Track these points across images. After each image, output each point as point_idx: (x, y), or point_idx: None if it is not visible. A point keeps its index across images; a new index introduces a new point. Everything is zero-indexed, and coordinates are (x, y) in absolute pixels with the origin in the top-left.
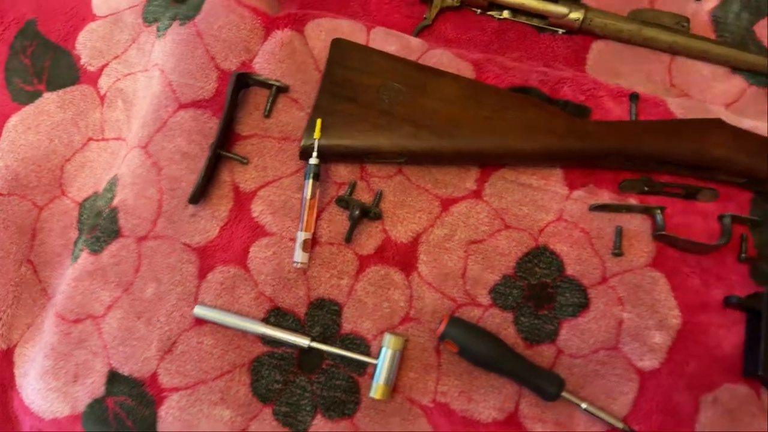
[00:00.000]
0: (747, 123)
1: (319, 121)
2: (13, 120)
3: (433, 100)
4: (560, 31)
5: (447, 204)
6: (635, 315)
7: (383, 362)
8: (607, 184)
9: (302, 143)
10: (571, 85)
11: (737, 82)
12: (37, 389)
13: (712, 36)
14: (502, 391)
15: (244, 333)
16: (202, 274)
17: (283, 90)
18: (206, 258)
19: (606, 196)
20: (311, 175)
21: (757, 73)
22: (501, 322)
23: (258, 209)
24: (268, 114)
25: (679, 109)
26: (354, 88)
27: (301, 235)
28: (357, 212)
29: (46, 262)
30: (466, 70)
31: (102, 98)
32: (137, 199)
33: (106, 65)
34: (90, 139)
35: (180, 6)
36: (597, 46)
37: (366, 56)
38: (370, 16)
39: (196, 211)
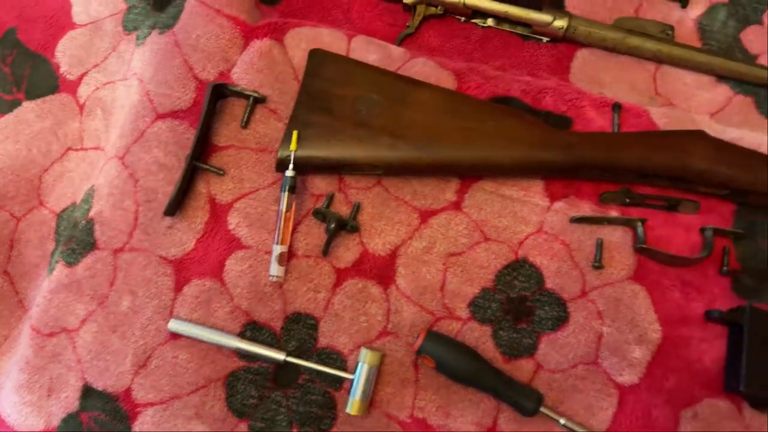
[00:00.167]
0: (732, 132)
1: (295, 133)
2: None
3: (411, 111)
4: (544, 39)
5: (426, 216)
6: (615, 329)
7: (359, 377)
8: (588, 196)
9: (278, 155)
10: (553, 94)
11: (723, 91)
12: (12, 402)
13: (698, 44)
14: (481, 406)
15: (220, 347)
16: (178, 287)
17: (260, 101)
18: (182, 271)
19: (587, 208)
20: (287, 187)
21: (743, 81)
22: (479, 336)
23: (234, 221)
24: (245, 125)
25: (662, 119)
26: (330, 99)
27: (277, 249)
28: (333, 225)
29: (23, 273)
30: (448, 80)
31: (81, 107)
32: (113, 211)
33: (85, 74)
34: (69, 148)
35: (159, 15)
36: (581, 55)
37: (343, 67)
38: (352, 24)
39: (172, 223)
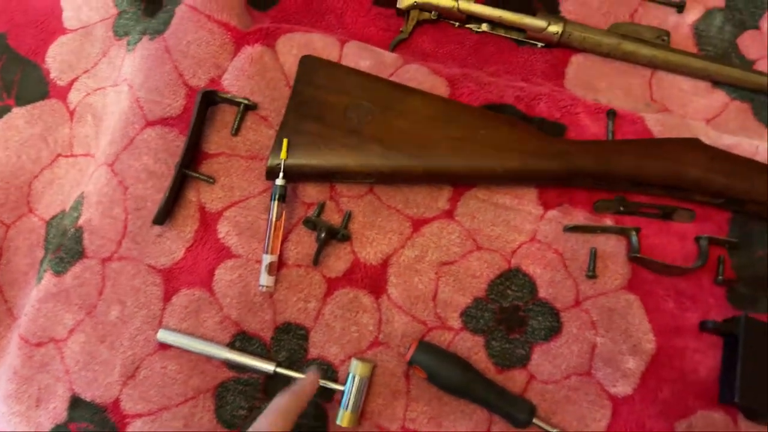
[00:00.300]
0: (728, 139)
1: (285, 141)
2: None
3: (403, 119)
4: (539, 44)
5: (418, 224)
6: (608, 339)
7: (350, 389)
8: (582, 204)
9: (268, 163)
10: (547, 101)
11: (719, 97)
12: (1, 413)
13: (694, 49)
14: (473, 417)
15: (209, 358)
16: (167, 297)
17: (251, 108)
18: (171, 280)
19: (581, 217)
20: (277, 196)
21: (740, 87)
22: (472, 346)
23: (224, 230)
24: (235, 132)
25: (657, 125)
26: (321, 106)
27: (267, 258)
28: (324, 234)
29: (12, 281)
30: (441, 86)
31: (71, 113)
32: (102, 219)
33: (75, 79)
34: (59, 155)
35: (150, 20)
36: (576, 60)
37: (334, 74)
38: (346, 29)
39: (161, 231)
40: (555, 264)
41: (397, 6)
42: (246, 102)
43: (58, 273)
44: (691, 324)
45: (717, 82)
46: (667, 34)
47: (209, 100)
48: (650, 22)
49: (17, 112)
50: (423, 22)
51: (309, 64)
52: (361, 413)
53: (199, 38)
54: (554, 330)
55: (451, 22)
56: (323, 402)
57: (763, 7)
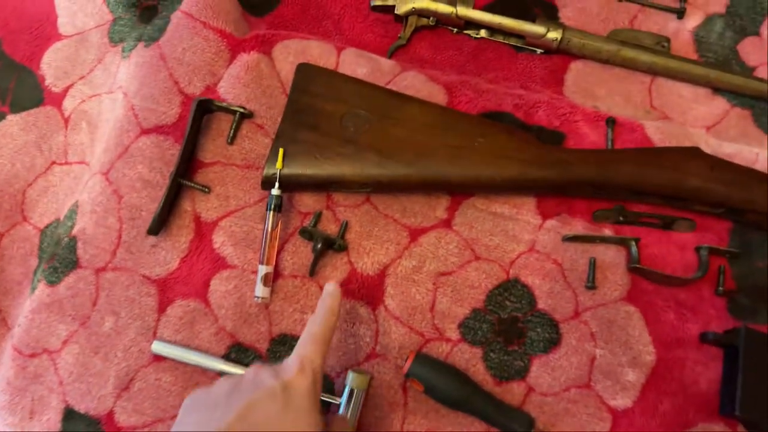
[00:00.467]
0: (729, 147)
1: (281, 151)
2: None
3: (400, 128)
4: (538, 50)
5: (416, 234)
6: (608, 351)
7: (346, 401)
8: (581, 214)
9: (264, 173)
10: (546, 109)
11: (719, 104)
12: None
13: (695, 56)
14: (471, 430)
15: (204, 370)
16: (162, 308)
17: (247, 116)
18: (166, 291)
19: (580, 226)
20: (272, 206)
21: (740, 94)
22: (470, 358)
23: (219, 240)
24: (231, 141)
25: (657, 133)
26: (317, 115)
27: (262, 269)
28: (320, 244)
29: (6, 290)
30: (439, 94)
31: (66, 120)
32: (96, 229)
33: (71, 86)
34: (53, 162)
35: (145, 27)
36: (575, 67)
37: (331, 82)
38: (343, 35)
39: (156, 241)
40: (554, 274)
41: (395, 12)
42: (242, 110)
43: (52, 283)
44: (691, 335)
45: (717, 89)
46: (667, 40)
47: (205, 109)
48: (650, 28)
49: (12, 119)
50: (421, 28)
51: (305, 72)
52: (357, 426)
53: (195, 45)
54: (553, 342)
55: (450, 28)
56: None
57: (763, 14)
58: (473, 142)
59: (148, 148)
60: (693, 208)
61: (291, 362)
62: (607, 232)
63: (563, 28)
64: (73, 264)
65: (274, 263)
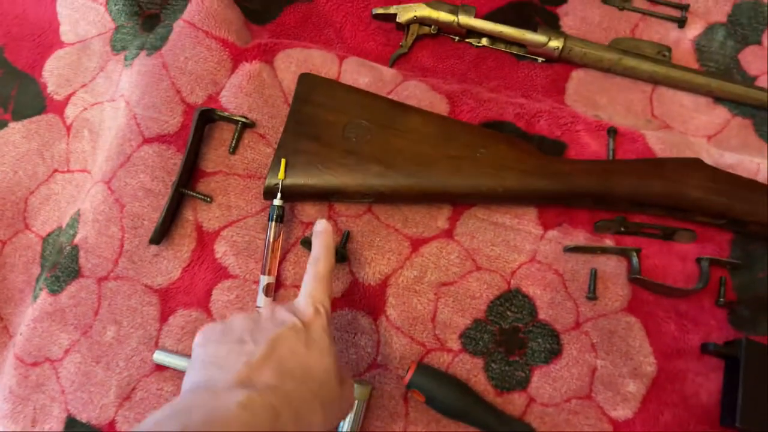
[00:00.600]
0: (729, 158)
1: (283, 161)
2: None
3: (402, 138)
4: (540, 59)
5: (417, 244)
6: (609, 362)
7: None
8: (582, 224)
9: (266, 183)
10: (547, 118)
11: (720, 113)
12: None
13: (696, 65)
14: None
15: None
16: (164, 318)
17: (249, 125)
18: (168, 300)
19: (581, 237)
20: (274, 216)
21: (741, 103)
22: (471, 369)
23: (221, 250)
24: (233, 150)
25: (658, 143)
26: (319, 125)
27: (264, 279)
28: None
29: (8, 298)
30: (440, 104)
31: (68, 128)
32: (98, 237)
33: (72, 94)
34: (55, 170)
35: (148, 35)
36: (577, 75)
37: (333, 92)
38: (345, 44)
39: (158, 251)
40: (555, 285)
41: (397, 20)
42: (244, 120)
43: (54, 292)
44: (692, 346)
45: (718, 99)
46: (669, 49)
47: (207, 118)
48: (651, 37)
49: (14, 126)
50: (423, 36)
51: (307, 82)
52: None
53: (197, 54)
54: (554, 352)
55: (451, 36)
56: None
57: (765, 23)
58: (475, 152)
59: (150, 157)
60: (694, 219)
61: (304, 304)
62: (608, 242)
63: (565, 36)
64: (75, 273)
65: (275, 273)
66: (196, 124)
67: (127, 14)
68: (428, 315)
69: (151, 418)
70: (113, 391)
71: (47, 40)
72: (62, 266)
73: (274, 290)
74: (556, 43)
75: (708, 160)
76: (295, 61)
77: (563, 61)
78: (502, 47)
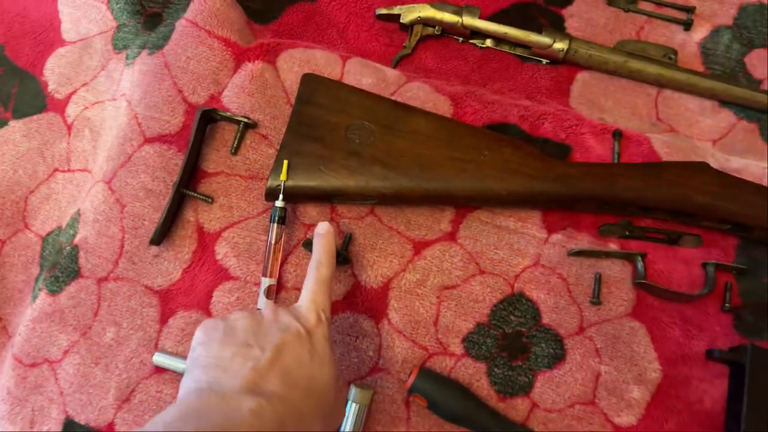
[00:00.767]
0: (735, 162)
1: (285, 163)
2: None
3: (405, 140)
4: (544, 61)
5: (420, 247)
6: (613, 368)
7: (348, 417)
8: (586, 228)
9: (268, 185)
10: (552, 120)
11: (726, 117)
12: None
13: (701, 68)
14: None
15: None
16: (164, 319)
17: (251, 126)
18: (168, 302)
19: (585, 240)
20: (276, 218)
21: (747, 107)
22: (473, 373)
23: (222, 251)
24: (235, 151)
25: (663, 147)
26: (321, 127)
27: (265, 281)
28: None
29: (7, 298)
30: (444, 105)
31: (69, 127)
32: (98, 238)
33: (74, 92)
34: (55, 169)
35: (150, 34)
36: (582, 78)
37: (336, 93)
38: (348, 44)
39: (159, 252)
40: (559, 289)
41: (401, 21)
42: (246, 120)
43: (53, 292)
44: (697, 352)
45: (724, 102)
46: (674, 52)
47: (208, 118)
48: (657, 40)
49: (14, 125)
50: (426, 37)
51: (310, 82)
52: None
53: (199, 54)
54: (558, 357)
55: (455, 37)
56: None
57: None
58: (479, 155)
59: (151, 157)
60: (699, 224)
61: (306, 310)
62: (613, 246)
63: (570, 38)
64: (74, 273)
65: (277, 276)
66: (197, 124)
67: (129, 13)
68: (431, 318)
69: (159, 418)
70: (112, 393)
71: (48, 38)
72: (62, 266)
73: (276, 292)
74: (561, 45)
75: (713, 164)
76: (298, 62)
77: (568, 63)
78: (506, 49)
